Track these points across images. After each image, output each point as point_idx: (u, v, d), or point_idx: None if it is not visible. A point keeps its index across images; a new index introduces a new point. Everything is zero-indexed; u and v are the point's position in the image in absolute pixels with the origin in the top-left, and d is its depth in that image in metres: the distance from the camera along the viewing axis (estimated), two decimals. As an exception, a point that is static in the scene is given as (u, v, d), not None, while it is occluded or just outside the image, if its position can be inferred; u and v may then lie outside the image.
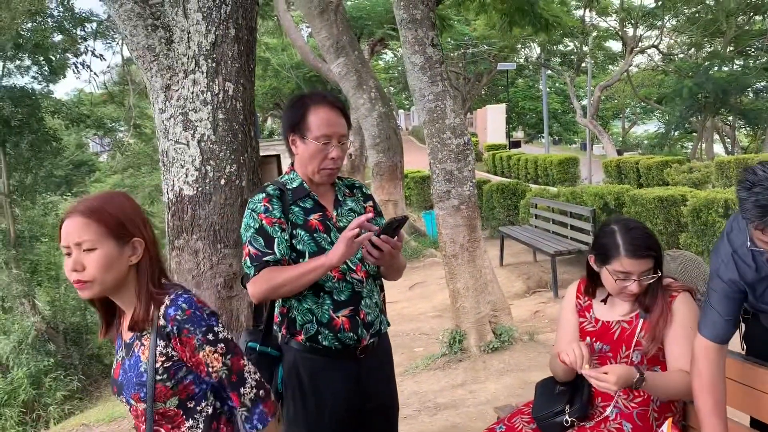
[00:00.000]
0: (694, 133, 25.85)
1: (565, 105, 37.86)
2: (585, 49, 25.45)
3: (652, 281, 2.01)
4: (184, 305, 1.51)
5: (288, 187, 2.09)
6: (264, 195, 2.05)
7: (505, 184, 10.68)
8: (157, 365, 1.50)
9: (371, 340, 2.10)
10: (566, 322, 2.30)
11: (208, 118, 2.69)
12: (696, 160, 16.07)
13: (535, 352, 4.79)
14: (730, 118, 23.80)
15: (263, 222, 2.00)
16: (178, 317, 1.49)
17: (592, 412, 2.18)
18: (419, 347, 5.75)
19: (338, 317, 2.03)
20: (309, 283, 1.95)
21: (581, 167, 18.71)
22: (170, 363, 1.51)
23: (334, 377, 2.07)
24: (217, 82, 2.70)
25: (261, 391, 1.57)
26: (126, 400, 1.57)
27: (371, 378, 2.14)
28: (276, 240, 1.98)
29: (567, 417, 2.11)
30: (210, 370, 1.52)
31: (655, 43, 24.37)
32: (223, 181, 2.73)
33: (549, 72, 28.70)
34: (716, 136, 25.72)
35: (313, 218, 2.07)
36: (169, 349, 1.51)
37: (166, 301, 1.52)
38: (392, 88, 35.08)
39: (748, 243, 1.67)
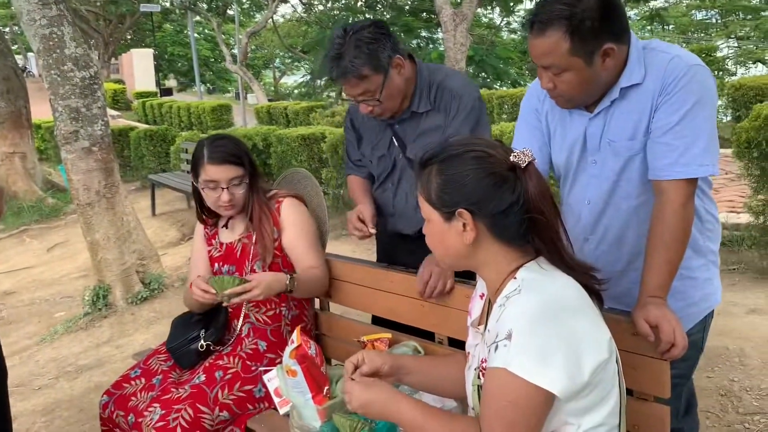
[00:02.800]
0: (336, 82, 27.92)
1: (215, 52, 37.27)
2: (230, -6, 25.28)
3: (244, 190, 2.04)
4: None
5: None
6: None
7: (154, 131, 10.00)
8: None
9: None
10: (197, 252, 2.27)
11: None
12: (338, 106, 17.37)
13: (189, 295, 4.67)
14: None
15: None
16: None
17: (229, 336, 2.15)
18: (61, 312, 5.12)
19: None
20: None
21: (235, 115, 18.77)
22: None
23: None
24: None
25: None
26: None
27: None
28: None
29: (202, 342, 2.05)
30: None
31: (296, -7, 25.42)
32: None
33: (197, 18, 27.85)
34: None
35: None
36: None
37: None
38: (17, 28, 30.10)
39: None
